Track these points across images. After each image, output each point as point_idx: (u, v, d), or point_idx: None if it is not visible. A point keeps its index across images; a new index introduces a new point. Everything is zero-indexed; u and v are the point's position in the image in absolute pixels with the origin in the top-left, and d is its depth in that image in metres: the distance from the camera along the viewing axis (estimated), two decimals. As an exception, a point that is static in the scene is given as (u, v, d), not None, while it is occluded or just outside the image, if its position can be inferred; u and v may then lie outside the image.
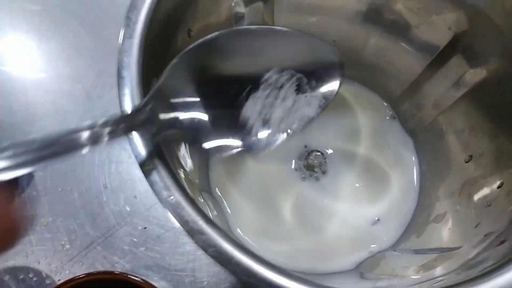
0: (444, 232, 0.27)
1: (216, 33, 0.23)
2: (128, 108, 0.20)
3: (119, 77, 0.20)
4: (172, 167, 0.19)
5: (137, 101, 0.20)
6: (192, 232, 0.17)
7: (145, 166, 0.18)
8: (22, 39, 0.53)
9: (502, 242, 0.20)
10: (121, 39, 0.20)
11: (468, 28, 0.27)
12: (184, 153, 0.30)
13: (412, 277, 0.23)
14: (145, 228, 0.44)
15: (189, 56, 0.21)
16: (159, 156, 0.19)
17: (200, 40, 0.22)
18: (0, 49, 0.52)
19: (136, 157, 0.19)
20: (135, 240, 0.44)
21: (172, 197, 0.18)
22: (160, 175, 0.18)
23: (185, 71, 0.21)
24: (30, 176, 0.46)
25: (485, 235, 0.22)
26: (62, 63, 0.51)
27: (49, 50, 0.52)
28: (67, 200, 0.45)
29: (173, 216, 0.18)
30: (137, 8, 0.20)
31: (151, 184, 0.18)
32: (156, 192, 0.18)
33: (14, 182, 0.16)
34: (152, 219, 0.44)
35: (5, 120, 0.48)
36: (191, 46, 0.21)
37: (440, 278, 0.20)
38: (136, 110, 0.18)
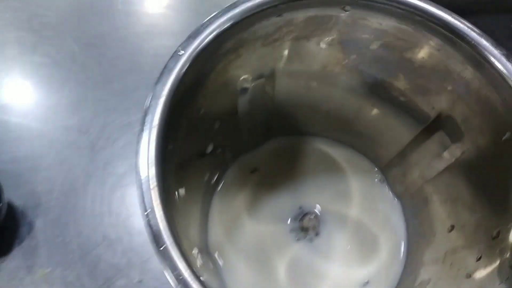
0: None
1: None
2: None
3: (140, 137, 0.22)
4: (181, 244, 0.21)
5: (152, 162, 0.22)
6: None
7: (160, 245, 0.20)
8: (31, 90, 0.55)
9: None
10: (148, 102, 0.23)
11: (450, 109, 0.30)
12: (188, 209, 0.31)
13: None
14: (140, 281, 0.45)
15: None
16: (171, 234, 0.21)
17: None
18: (9, 99, 0.54)
19: (150, 235, 0.21)
20: (131, 292, 0.44)
21: (181, 277, 0.20)
22: (171, 254, 0.20)
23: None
24: (30, 225, 0.47)
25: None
26: (68, 114, 0.53)
27: (57, 102, 0.54)
28: (66, 251, 0.45)
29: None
30: (162, 82, 0.23)
31: (162, 262, 0.20)
32: (166, 270, 0.20)
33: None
34: (148, 272, 0.45)
35: (10, 168, 0.50)
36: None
37: None
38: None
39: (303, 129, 0.40)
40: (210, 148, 0.33)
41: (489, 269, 0.25)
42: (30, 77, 0.56)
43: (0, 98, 0.54)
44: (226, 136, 0.35)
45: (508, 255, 0.24)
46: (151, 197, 0.21)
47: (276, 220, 0.37)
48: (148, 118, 0.22)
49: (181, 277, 0.19)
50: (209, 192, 0.37)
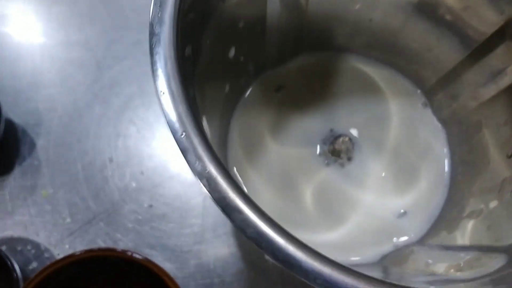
0: (482, 231, 0.25)
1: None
2: (161, 70, 0.17)
3: (152, 34, 0.18)
4: (206, 134, 0.17)
5: (171, 63, 0.18)
6: (228, 209, 0.15)
7: (177, 133, 0.16)
8: (31, 2, 0.51)
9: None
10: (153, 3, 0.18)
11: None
12: (206, 127, 0.28)
13: (449, 273, 0.21)
14: (150, 206, 0.42)
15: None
16: (193, 124, 0.17)
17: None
18: (7, 12, 0.50)
19: (167, 122, 0.17)
20: (140, 218, 0.42)
21: (207, 170, 0.16)
22: (193, 145, 0.16)
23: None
24: (31, 144, 0.44)
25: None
26: (72, 29, 0.49)
27: (60, 16, 0.50)
28: (69, 172, 0.43)
29: (207, 190, 0.16)
30: None
31: (184, 153, 0.16)
32: (189, 163, 0.16)
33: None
34: (158, 197, 0.43)
35: (10, 85, 0.46)
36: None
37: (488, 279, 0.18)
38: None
39: (338, 43, 0.35)
40: (232, 53, 0.28)
41: None
42: (30, -13, 0.51)
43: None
44: (251, 42, 0.30)
45: None
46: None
47: (303, 143, 0.33)
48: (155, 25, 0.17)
49: (207, 170, 0.15)
50: (229, 107, 0.33)
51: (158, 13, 0.18)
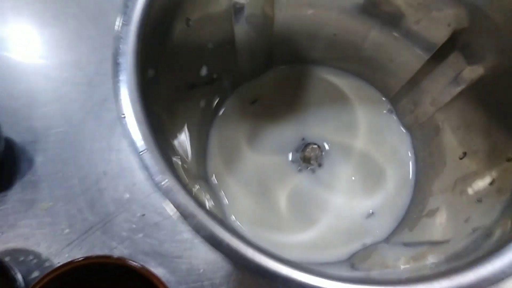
0: (436, 226, 0.27)
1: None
2: (123, 96, 0.20)
3: (114, 63, 0.20)
4: (166, 153, 0.19)
5: (133, 88, 0.20)
6: (185, 215, 0.18)
7: (141, 151, 0.19)
8: (24, 25, 0.53)
9: (488, 236, 0.20)
10: (118, 25, 0.21)
11: (467, 25, 0.27)
12: (184, 139, 0.30)
13: (402, 267, 0.23)
14: (143, 215, 0.44)
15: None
16: (155, 142, 0.19)
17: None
18: (2, 35, 0.52)
19: (129, 143, 0.19)
20: (134, 226, 0.44)
21: (166, 181, 0.18)
22: (156, 160, 0.19)
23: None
24: (30, 161, 0.47)
25: (473, 229, 0.23)
26: (64, 50, 0.52)
27: (52, 37, 0.52)
28: (67, 185, 0.45)
29: (166, 199, 0.18)
30: None
31: (146, 168, 0.18)
32: (151, 176, 0.18)
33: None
34: (150, 206, 0.45)
35: (7, 105, 0.49)
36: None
37: (428, 268, 0.21)
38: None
39: (307, 56, 0.37)
40: (204, 71, 0.31)
41: (501, 191, 0.23)
42: (22, 12, 0.54)
43: (-6, 33, 0.53)
44: (222, 61, 0.32)
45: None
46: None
47: (278, 151, 0.35)
48: (120, 44, 0.20)
49: (165, 183, 0.18)
50: (206, 121, 0.35)
51: (120, 45, 0.21)
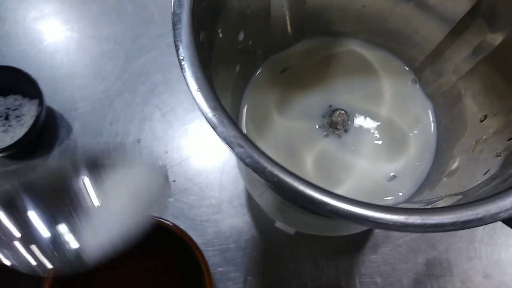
0: (455, 183, 0.29)
1: None
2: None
3: (174, 26, 0.22)
4: (217, 93, 0.22)
5: (190, 48, 0.22)
6: (233, 145, 0.20)
7: (195, 89, 0.21)
8: (65, 2, 0.56)
9: (505, 181, 0.22)
10: None
11: (491, -6, 0.29)
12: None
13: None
14: (174, 181, 0.47)
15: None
16: (206, 83, 0.22)
17: None
18: (45, 12, 0.56)
19: (186, 82, 0.22)
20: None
21: (216, 116, 0.21)
22: (206, 97, 0.21)
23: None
24: (69, 128, 0.50)
25: (493, 178, 0.24)
26: (102, 25, 0.55)
27: (91, 13, 0.55)
28: (103, 152, 0.48)
29: (216, 132, 0.20)
30: None
31: (198, 102, 0.21)
32: (202, 110, 0.21)
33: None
34: (181, 173, 0.48)
35: (48, 75, 0.52)
36: None
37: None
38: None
39: (336, 29, 0.39)
40: (241, 36, 0.33)
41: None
42: (65, -12, 0.57)
43: (37, 10, 0.56)
44: (257, 28, 0.35)
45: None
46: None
47: (305, 117, 0.37)
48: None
49: (215, 116, 0.20)
50: (240, 87, 0.37)
51: (177, 11, 0.23)
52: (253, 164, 0.20)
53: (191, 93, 0.21)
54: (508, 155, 0.26)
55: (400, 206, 0.33)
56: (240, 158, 0.20)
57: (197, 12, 0.24)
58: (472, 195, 0.24)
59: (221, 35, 0.30)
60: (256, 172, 0.20)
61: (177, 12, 0.22)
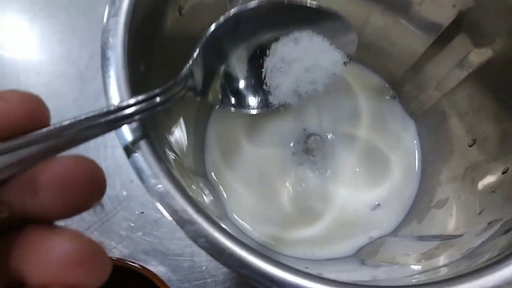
0: (446, 219, 0.26)
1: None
2: (113, 92, 0.19)
3: (103, 58, 0.19)
4: (160, 152, 0.18)
5: (122, 84, 0.19)
6: (182, 222, 0.17)
7: (130, 152, 0.17)
8: (13, 19, 0.52)
9: (507, 231, 0.19)
10: (106, 17, 0.19)
11: (474, 5, 0.26)
12: (180, 134, 0.29)
13: (413, 266, 0.22)
14: (142, 212, 0.43)
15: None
16: (146, 141, 0.18)
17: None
18: (-10, 31, 0.51)
19: (121, 143, 0.18)
20: (132, 225, 0.43)
21: (160, 186, 0.17)
22: (148, 162, 0.17)
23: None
24: (24, 160, 0.45)
25: (489, 223, 0.21)
26: (55, 44, 0.50)
27: (42, 31, 0.51)
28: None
29: (161, 205, 0.17)
30: None
31: (138, 172, 0.17)
32: (142, 180, 0.17)
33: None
34: (149, 203, 0.44)
35: (-2, 103, 0.47)
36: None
37: (442, 269, 0.19)
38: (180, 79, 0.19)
39: (306, 43, 0.36)
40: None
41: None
42: (12, 5, 0.52)
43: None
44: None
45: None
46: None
47: (278, 144, 0.34)
48: (109, 37, 0.18)
49: (159, 187, 0.17)
50: (203, 114, 0.34)
51: (109, 38, 0.19)
52: (208, 246, 0.16)
53: (127, 156, 0.18)
54: (504, 192, 0.23)
55: (387, 239, 0.30)
56: (192, 238, 0.16)
57: (133, 42, 0.20)
58: (469, 244, 0.21)
59: (171, 64, 0.26)
60: (212, 256, 0.16)
61: (108, 56, 0.18)
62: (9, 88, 0.45)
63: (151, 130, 0.19)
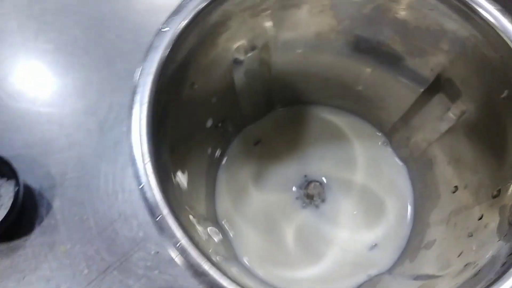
0: (432, 259, 0.29)
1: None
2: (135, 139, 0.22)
3: (130, 109, 0.23)
4: (178, 212, 0.21)
5: (143, 132, 0.22)
6: (197, 274, 0.20)
7: (157, 216, 0.21)
8: (37, 76, 0.56)
9: (475, 275, 0.22)
10: (138, 76, 0.23)
11: (448, 69, 0.29)
12: (192, 186, 0.32)
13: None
14: (157, 252, 0.46)
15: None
16: (166, 202, 0.21)
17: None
18: (17, 87, 0.55)
19: (147, 207, 0.21)
20: (149, 264, 0.46)
21: (178, 244, 0.20)
22: (169, 224, 0.21)
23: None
24: (48, 206, 0.49)
25: (465, 265, 0.24)
26: (75, 98, 0.54)
27: (63, 86, 0.55)
28: (84, 228, 0.47)
29: (179, 261, 0.20)
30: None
31: (160, 232, 0.20)
32: (164, 240, 0.20)
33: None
34: (163, 244, 0.47)
35: (24, 153, 0.51)
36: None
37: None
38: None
39: (304, 98, 0.40)
40: (209, 123, 0.33)
41: (489, 227, 0.25)
42: (34, 64, 0.56)
43: (9, 85, 0.55)
44: (226, 110, 0.35)
45: (507, 213, 0.24)
46: (145, 171, 0.22)
47: (282, 189, 0.37)
48: (137, 96, 0.22)
49: (179, 245, 0.20)
50: (214, 165, 0.37)
51: (136, 97, 0.23)
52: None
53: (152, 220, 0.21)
54: (479, 237, 0.26)
55: (384, 277, 0.33)
56: (205, 288, 0.20)
57: (155, 111, 0.24)
58: (448, 284, 0.24)
59: (186, 125, 0.30)
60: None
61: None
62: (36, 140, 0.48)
63: (170, 186, 0.22)
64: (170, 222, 0.21)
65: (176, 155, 0.28)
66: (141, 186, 0.21)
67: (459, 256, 0.26)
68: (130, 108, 0.24)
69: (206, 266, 0.20)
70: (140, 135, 0.22)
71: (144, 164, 0.21)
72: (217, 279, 0.20)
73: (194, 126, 0.32)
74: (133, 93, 0.23)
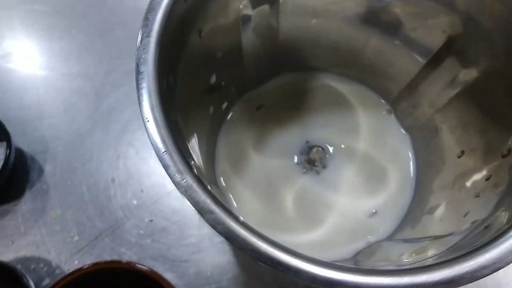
0: (436, 222, 0.29)
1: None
2: (145, 101, 0.21)
3: (138, 72, 0.22)
4: (185, 154, 0.21)
5: (153, 94, 0.22)
6: (203, 211, 0.19)
7: (161, 152, 0.20)
8: (33, 39, 0.55)
9: (486, 228, 0.21)
10: (140, 37, 0.22)
11: (461, 31, 0.29)
12: (194, 143, 0.31)
13: (405, 260, 0.24)
14: (151, 220, 0.46)
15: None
16: (173, 143, 0.21)
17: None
18: (12, 49, 0.54)
19: (152, 144, 0.21)
20: (142, 232, 0.45)
21: (184, 180, 0.20)
22: (174, 161, 0.20)
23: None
24: (40, 170, 0.48)
25: (472, 222, 0.24)
26: (72, 62, 0.53)
27: (60, 50, 0.54)
28: (76, 193, 0.46)
29: (185, 197, 0.19)
30: (154, 10, 0.22)
31: (166, 168, 0.20)
32: (170, 175, 0.20)
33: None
34: (158, 212, 0.46)
35: (17, 116, 0.50)
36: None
37: (430, 259, 0.22)
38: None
39: (310, 64, 0.39)
40: (213, 79, 0.32)
41: (498, 186, 0.25)
42: (31, 26, 0.55)
43: (4, 47, 0.54)
44: (230, 69, 0.34)
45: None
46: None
47: (283, 154, 0.37)
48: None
49: (184, 180, 0.19)
50: (215, 127, 0.37)
51: (142, 55, 0.22)
52: (225, 232, 0.19)
53: (157, 155, 0.20)
54: (487, 196, 0.25)
55: (383, 243, 0.33)
56: (211, 225, 0.19)
57: (162, 61, 0.23)
58: (454, 240, 0.23)
59: (189, 81, 0.29)
60: (228, 240, 0.19)
61: (141, 70, 0.21)
62: (30, 102, 0.48)
63: (176, 136, 0.22)
64: (176, 159, 0.20)
65: (180, 112, 0.27)
66: (146, 119, 0.20)
67: (465, 215, 0.26)
68: (139, 48, 0.23)
69: (212, 203, 0.19)
70: (150, 90, 0.21)
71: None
72: (223, 217, 0.19)
73: (199, 81, 0.31)
74: (143, 26, 0.22)
